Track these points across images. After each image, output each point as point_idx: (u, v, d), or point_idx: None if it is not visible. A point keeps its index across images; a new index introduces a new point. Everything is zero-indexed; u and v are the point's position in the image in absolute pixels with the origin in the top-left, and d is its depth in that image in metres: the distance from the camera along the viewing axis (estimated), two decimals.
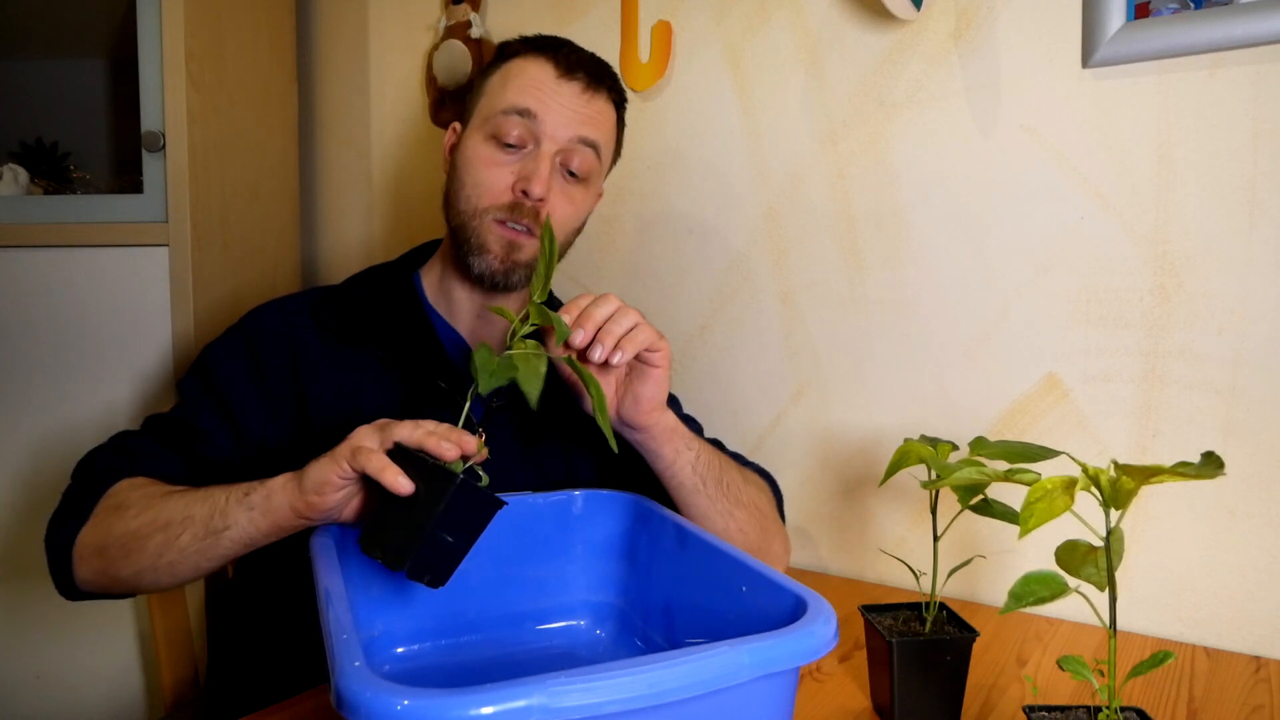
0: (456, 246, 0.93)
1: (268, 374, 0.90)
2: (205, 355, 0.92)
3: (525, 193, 0.89)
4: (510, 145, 0.90)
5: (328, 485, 0.67)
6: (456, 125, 0.98)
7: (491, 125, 0.90)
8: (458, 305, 0.97)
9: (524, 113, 0.89)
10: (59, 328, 1.21)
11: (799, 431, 1.16)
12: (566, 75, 0.91)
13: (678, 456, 0.83)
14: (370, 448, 0.66)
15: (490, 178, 0.90)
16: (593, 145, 0.92)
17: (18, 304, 1.21)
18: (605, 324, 0.74)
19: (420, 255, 1.03)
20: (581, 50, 0.95)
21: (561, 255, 0.95)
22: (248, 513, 0.72)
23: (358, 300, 0.96)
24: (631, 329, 0.75)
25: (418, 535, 0.62)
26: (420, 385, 0.90)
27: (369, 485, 0.68)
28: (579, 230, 0.99)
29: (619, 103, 0.98)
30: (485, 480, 0.68)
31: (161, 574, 0.76)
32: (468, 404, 0.68)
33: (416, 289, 0.99)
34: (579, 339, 0.73)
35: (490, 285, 0.92)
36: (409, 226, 1.50)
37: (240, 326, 0.94)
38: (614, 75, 0.97)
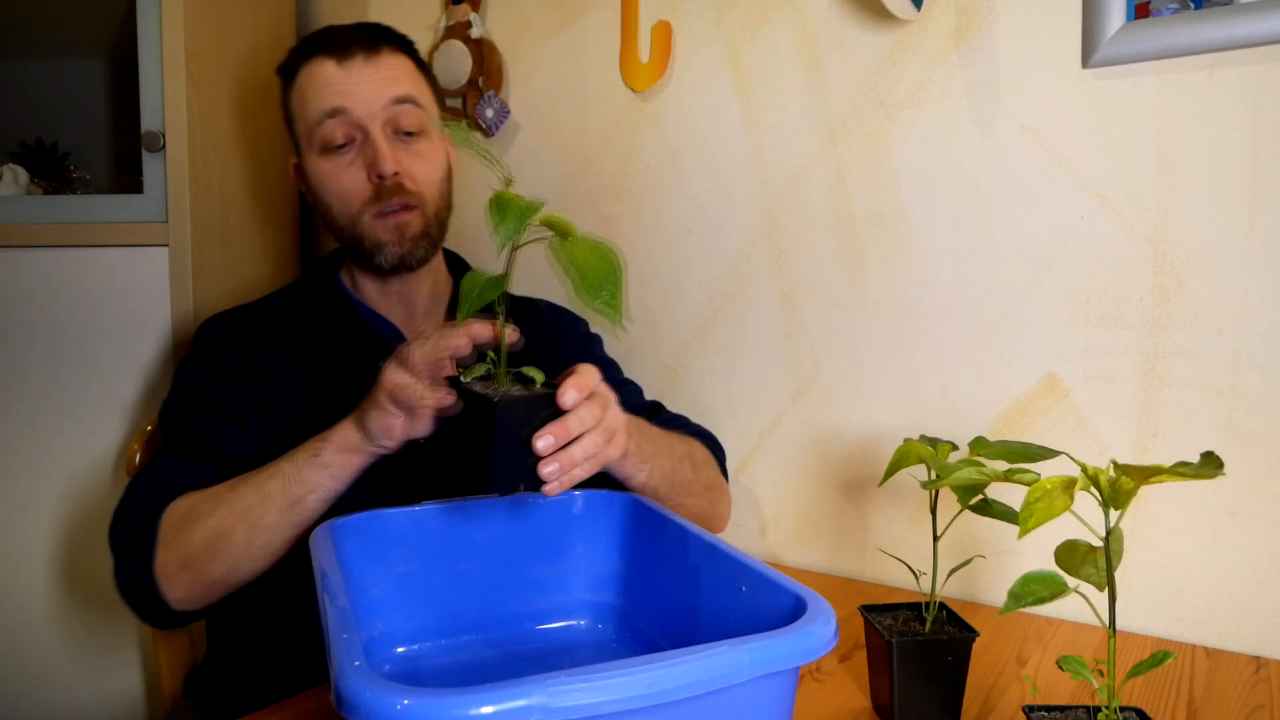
0: (357, 256, 0.98)
1: (237, 374, 0.93)
2: (180, 378, 0.95)
3: (380, 176, 0.92)
4: (341, 146, 0.93)
5: (391, 430, 0.73)
6: (294, 161, 1.02)
7: (317, 139, 0.94)
8: (379, 298, 1.02)
9: (333, 113, 0.93)
10: (59, 328, 1.21)
11: (799, 431, 1.16)
12: (345, 58, 0.94)
13: (629, 480, 0.84)
14: (405, 382, 0.69)
15: (345, 183, 0.94)
16: (408, 100, 0.95)
17: (18, 304, 1.21)
18: (570, 446, 0.68)
19: (333, 263, 1.06)
20: (344, 28, 0.98)
21: (449, 210, 1.00)
22: (324, 470, 0.76)
23: (292, 309, 1.01)
24: (594, 454, 0.70)
25: (490, 463, 0.65)
26: (363, 370, 0.91)
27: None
28: (449, 178, 1.01)
29: (406, 48, 1.00)
30: (539, 379, 0.68)
31: (256, 557, 0.79)
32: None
33: (342, 290, 1.03)
34: (543, 445, 0.66)
35: (404, 268, 0.96)
36: None
37: (194, 345, 0.98)
38: (385, 29, 1.00)
